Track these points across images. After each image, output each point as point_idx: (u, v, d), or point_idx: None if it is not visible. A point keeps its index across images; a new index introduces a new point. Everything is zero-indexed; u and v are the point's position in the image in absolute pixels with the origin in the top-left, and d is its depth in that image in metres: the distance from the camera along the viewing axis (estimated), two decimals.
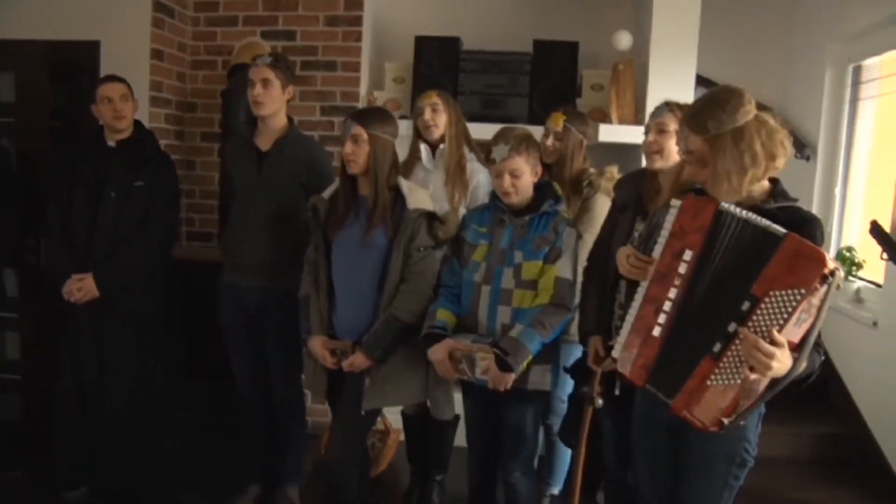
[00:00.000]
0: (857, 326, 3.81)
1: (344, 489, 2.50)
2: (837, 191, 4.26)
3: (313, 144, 2.97)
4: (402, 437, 3.30)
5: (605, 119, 3.56)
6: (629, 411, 2.10)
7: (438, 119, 2.87)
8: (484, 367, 2.29)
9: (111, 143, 2.87)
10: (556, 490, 3.08)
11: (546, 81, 3.62)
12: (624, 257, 1.89)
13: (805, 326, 1.57)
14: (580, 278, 2.43)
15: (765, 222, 1.63)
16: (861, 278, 4.00)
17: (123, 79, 2.88)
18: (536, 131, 2.85)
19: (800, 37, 4.52)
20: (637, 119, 3.50)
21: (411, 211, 2.38)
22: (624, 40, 3.52)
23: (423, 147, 2.93)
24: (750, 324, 1.58)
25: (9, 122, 3.52)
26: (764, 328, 1.56)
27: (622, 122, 3.52)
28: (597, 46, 3.77)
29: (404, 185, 2.44)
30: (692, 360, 1.68)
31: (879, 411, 3.64)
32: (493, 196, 2.48)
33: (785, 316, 1.54)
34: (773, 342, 1.53)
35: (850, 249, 4.02)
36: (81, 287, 2.76)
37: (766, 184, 1.81)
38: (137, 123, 2.94)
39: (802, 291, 1.52)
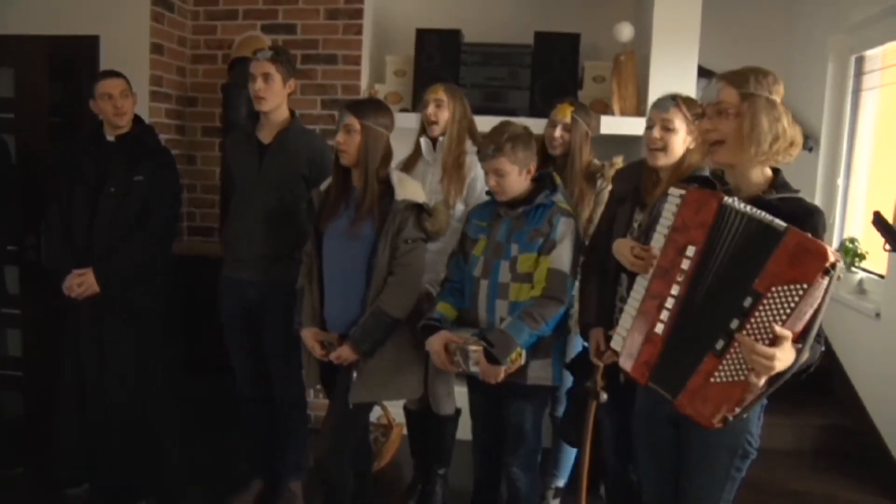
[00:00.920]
0: (859, 318, 3.81)
1: (335, 482, 2.47)
2: (840, 182, 4.25)
3: (315, 138, 2.96)
4: (405, 431, 3.30)
5: (607, 111, 3.55)
6: (628, 407, 2.09)
7: (441, 115, 2.85)
8: (476, 359, 2.28)
9: (111, 139, 2.86)
10: (561, 483, 3.08)
11: (547, 74, 3.60)
12: (627, 249, 1.88)
13: (807, 318, 1.56)
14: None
15: (767, 217, 1.62)
16: (864, 269, 3.99)
17: (122, 74, 2.87)
18: (537, 124, 2.85)
19: (802, 27, 4.50)
20: (639, 111, 3.49)
21: (398, 202, 2.35)
22: (625, 32, 3.50)
23: (423, 140, 2.92)
24: (752, 320, 1.57)
25: (8, 117, 3.51)
26: (766, 324, 1.55)
27: (624, 113, 3.51)
28: (598, 38, 3.76)
29: (395, 176, 2.42)
30: (695, 358, 1.67)
31: (882, 402, 3.63)
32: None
33: (787, 311, 1.54)
34: (776, 337, 1.53)
35: (852, 240, 4.01)
36: (82, 282, 2.75)
37: (768, 172, 1.81)
38: (137, 118, 2.93)
39: (805, 286, 1.52)
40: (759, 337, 1.56)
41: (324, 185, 2.51)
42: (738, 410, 1.63)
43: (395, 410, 3.36)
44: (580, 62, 3.67)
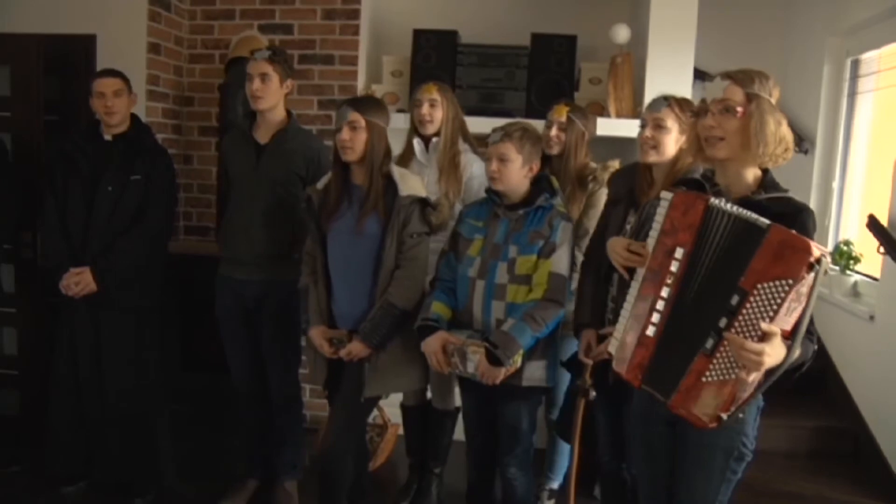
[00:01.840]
0: (853, 320, 3.82)
1: (337, 479, 2.48)
2: (835, 184, 4.26)
3: (312, 137, 2.96)
4: (399, 431, 3.30)
5: (603, 113, 3.55)
6: (622, 406, 2.10)
7: (435, 114, 2.85)
8: (475, 361, 2.29)
9: (108, 137, 2.86)
10: (555, 484, 3.08)
11: (544, 75, 3.60)
12: (620, 247, 1.89)
13: (796, 315, 1.57)
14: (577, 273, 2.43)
15: (752, 216, 1.63)
16: (858, 272, 4.01)
17: (120, 73, 2.87)
18: (534, 125, 2.85)
19: (798, 30, 4.51)
20: (635, 113, 3.49)
21: (403, 197, 2.38)
22: (622, 34, 3.51)
23: (416, 141, 2.91)
24: (740, 317, 1.58)
25: (5, 115, 3.50)
26: (754, 321, 1.56)
27: (620, 115, 3.51)
28: (595, 40, 3.75)
29: (396, 171, 2.45)
30: (686, 358, 1.68)
31: (876, 405, 3.65)
32: (489, 190, 2.48)
33: (774, 307, 1.54)
34: (764, 334, 1.54)
35: (847, 243, 4.02)
36: (79, 281, 2.75)
37: (758, 172, 1.81)
38: (134, 117, 2.92)
39: (790, 282, 1.53)
40: (747, 334, 1.57)
41: (320, 183, 2.52)
42: (732, 409, 1.64)
43: (391, 410, 3.37)
44: (577, 64, 3.67)
